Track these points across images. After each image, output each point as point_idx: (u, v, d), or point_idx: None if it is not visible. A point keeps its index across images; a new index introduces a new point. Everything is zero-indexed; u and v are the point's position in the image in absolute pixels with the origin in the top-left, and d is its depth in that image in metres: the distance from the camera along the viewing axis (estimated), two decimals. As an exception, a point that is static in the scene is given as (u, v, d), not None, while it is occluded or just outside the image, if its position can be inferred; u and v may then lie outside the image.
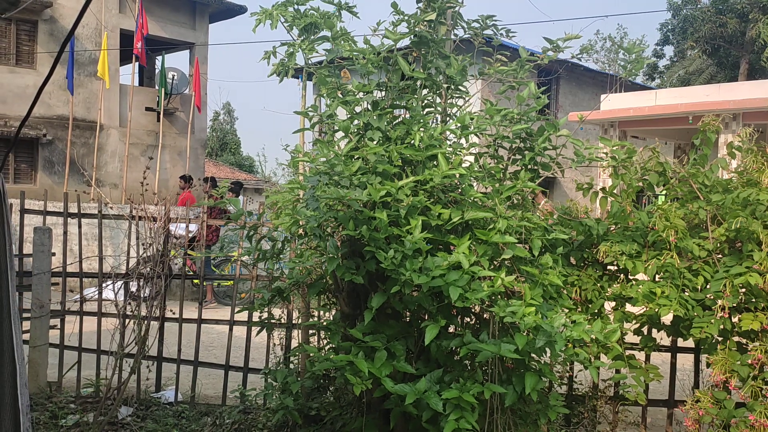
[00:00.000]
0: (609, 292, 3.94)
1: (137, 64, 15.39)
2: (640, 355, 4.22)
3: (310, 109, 4.00)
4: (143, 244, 4.90)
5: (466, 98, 4.08)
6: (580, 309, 3.86)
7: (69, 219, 5.55)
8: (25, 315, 5.30)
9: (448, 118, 4.06)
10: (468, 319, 3.63)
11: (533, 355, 3.12)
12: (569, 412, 4.26)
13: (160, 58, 15.84)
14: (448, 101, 4.06)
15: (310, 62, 4.08)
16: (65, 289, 5.60)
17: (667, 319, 3.78)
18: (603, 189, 4.20)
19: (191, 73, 16.94)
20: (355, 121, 3.67)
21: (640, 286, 3.75)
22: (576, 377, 4.58)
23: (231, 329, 5.39)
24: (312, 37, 3.90)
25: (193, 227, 10.00)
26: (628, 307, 3.94)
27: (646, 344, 4.03)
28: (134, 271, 4.89)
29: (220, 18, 18.18)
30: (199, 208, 10.89)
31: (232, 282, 5.79)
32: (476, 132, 3.67)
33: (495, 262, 3.36)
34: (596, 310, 3.89)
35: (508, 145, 3.93)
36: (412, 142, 3.41)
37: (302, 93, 4.79)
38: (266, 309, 4.42)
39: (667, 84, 30.98)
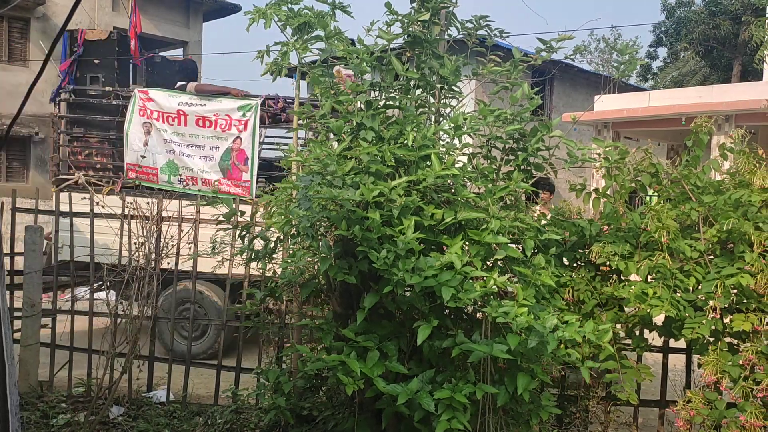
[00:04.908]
0: (601, 293, 3.94)
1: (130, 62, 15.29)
2: (632, 355, 4.23)
3: (303, 108, 4.00)
4: (135, 243, 4.88)
5: (460, 98, 4.08)
6: (572, 309, 3.86)
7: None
8: (16, 314, 5.27)
9: (441, 119, 4.06)
10: (460, 320, 3.62)
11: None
12: (561, 412, 4.27)
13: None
14: (442, 101, 4.06)
15: (303, 61, 4.08)
16: (56, 288, 5.57)
17: (659, 319, 3.79)
18: (596, 190, 4.21)
19: (185, 71, 16.86)
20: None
21: (632, 287, 3.76)
22: (568, 377, 4.58)
23: (224, 329, 5.38)
24: (305, 36, 3.89)
25: None
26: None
27: (638, 344, 4.03)
28: (126, 270, 4.87)
29: (213, 17, 18.16)
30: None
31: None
32: (469, 132, 3.66)
33: (488, 263, 3.35)
34: (588, 311, 3.90)
35: (501, 146, 3.93)
36: (406, 142, 3.41)
37: (296, 92, 4.78)
38: (258, 308, 4.41)
39: (660, 85, 31.07)
